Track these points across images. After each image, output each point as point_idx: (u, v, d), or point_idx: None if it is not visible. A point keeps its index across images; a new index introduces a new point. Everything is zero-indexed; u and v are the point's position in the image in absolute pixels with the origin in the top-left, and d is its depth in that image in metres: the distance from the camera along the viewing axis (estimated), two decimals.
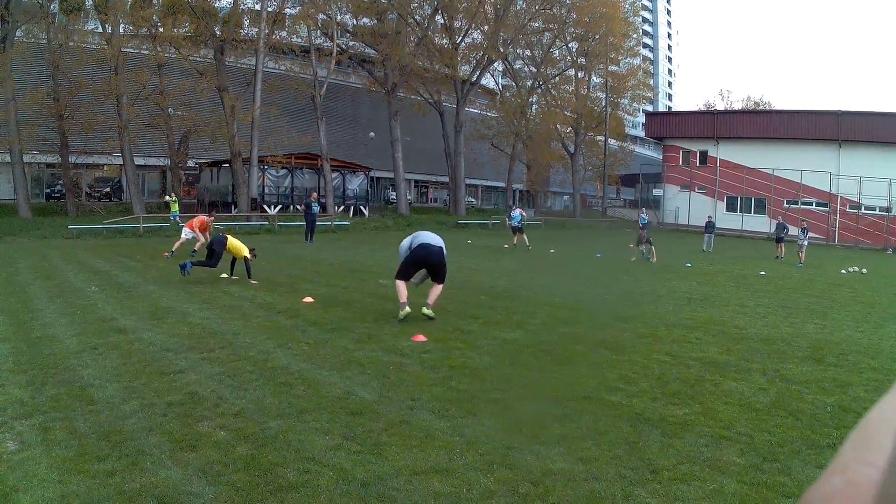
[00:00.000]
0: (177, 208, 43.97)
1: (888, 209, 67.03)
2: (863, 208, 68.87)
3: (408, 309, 14.42)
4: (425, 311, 14.72)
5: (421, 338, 12.63)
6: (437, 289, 14.98)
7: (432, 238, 14.99)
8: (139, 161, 56.65)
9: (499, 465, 6.87)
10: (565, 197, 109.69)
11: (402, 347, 11.96)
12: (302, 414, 8.23)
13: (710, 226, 44.89)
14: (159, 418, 7.91)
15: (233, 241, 20.65)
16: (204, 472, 6.46)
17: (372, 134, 76.00)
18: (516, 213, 38.74)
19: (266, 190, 58.48)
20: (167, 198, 46.30)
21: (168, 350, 11.28)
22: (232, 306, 15.97)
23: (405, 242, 15.00)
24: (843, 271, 33.87)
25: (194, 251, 27.13)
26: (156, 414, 8.05)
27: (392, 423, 8.02)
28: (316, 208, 38.87)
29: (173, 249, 27.80)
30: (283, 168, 59.40)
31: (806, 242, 37.73)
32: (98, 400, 8.53)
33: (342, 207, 61.69)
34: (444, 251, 14.96)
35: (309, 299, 17.09)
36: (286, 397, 8.88)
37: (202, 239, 26.68)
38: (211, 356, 10.97)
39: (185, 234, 27.98)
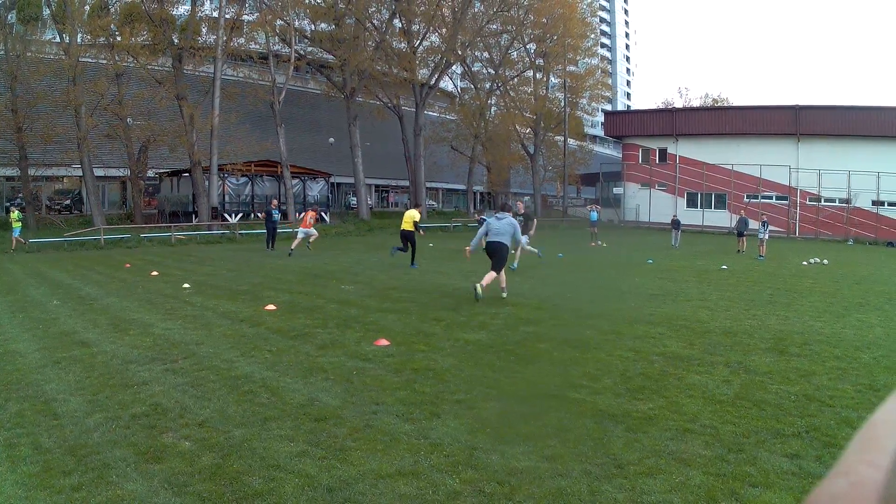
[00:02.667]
0: (19, 225, 40.35)
1: (848, 201, 67.96)
2: (823, 200, 69.82)
3: (478, 288, 18.31)
4: (503, 295, 19.01)
5: (384, 342, 12.65)
6: (490, 275, 18.53)
7: (496, 231, 18.76)
8: (99, 172, 56.19)
9: (464, 465, 6.91)
10: (526, 197, 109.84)
11: (365, 352, 11.96)
12: (266, 422, 8.22)
13: (676, 223, 45.70)
14: (124, 431, 7.87)
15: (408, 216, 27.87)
16: (170, 483, 6.44)
17: (331, 139, 75.92)
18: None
19: (226, 198, 58.30)
20: (11, 213, 42.37)
21: (131, 362, 11.21)
22: (194, 316, 15.89)
23: (481, 231, 19.24)
24: (805, 263, 34.32)
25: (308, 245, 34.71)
26: (120, 426, 8.00)
27: (356, 427, 8.03)
28: (276, 215, 38.76)
29: (293, 248, 33.43)
30: (243, 176, 59.24)
31: (766, 236, 38.21)
32: (62, 414, 8.48)
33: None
34: (505, 240, 18.63)
35: (271, 307, 17.06)
36: (250, 405, 8.86)
37: (315, 233, 35.19)
38: (174, 367, 10.91)
39: (302, 233, 34.43)
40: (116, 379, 10.14)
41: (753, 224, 42.95)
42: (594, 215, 50.43)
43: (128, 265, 27.91)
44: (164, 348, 12.30)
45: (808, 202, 70.74)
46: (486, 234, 18.80)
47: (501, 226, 18.80)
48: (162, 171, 62.56)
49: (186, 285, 21.22)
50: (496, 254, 18.63)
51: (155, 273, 25.16)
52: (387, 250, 30.38)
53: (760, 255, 37.01)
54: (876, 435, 0.79)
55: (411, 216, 27.77)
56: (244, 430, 7.90)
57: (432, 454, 7.22)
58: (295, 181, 61.48)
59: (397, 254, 28.35)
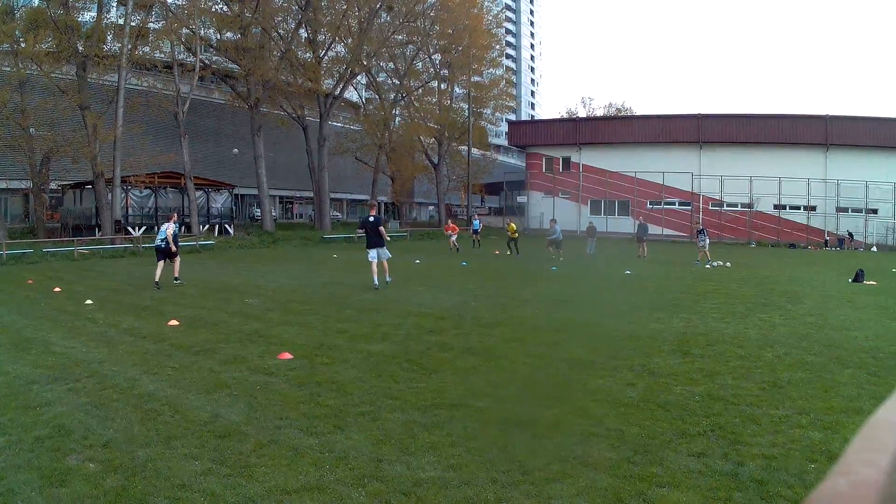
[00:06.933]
0: None
1: (750, 205, 69.80)
2: (725, 205, 71.55)
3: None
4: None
5: (287, 355, 12.68)
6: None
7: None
8: (0, 185, 54.80)
9: (370, 478, 7.01)
10: (430, 207, 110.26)
11: (268, 366, 11.98)
12: (170, 440, 8.17)
13: (592, 230, 47.52)
14: (27, 454, 7.75)
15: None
16: None
17: (235, 150, 75.35)
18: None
19: (130, 211, 57.39)
20: None
21: (33, 382, 11.01)
22: (96, 333, 15.66)
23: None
24: (708, 266, 35.11)
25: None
26: (24, 450, 7.89)
27: (261, 443, 8.06)
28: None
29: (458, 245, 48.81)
30: (146, 188, 58.37)
31: (707, 242, 38.29)
32: None
33: (207, 226, 60.98)
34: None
35: (174, 322, 16.87)
36: (154, 424, 8.78)
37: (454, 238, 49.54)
38: (77, 386, 10.74)
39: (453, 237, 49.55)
40: (19, 400, 9.98)
41: (654, 229, 43.93)
42: (476, 224, 55.96)
43: (30, 281, 27.38)
44: (66, 367, 12.08)
45: (710, 207, 72.35)
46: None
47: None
48: (65, 183, 61.26)
49: (89, 301, 20.88)
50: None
51: (58, 289, 24.64)
52: (292, 262, 30.36)
53: (707, 262, 36.68)
54: (876, 435, 0.83)
55: (513, 227, 46.70)
56: (148, 450, 7.86)
57: (337, 468, 7.30)
58: (199, 193, 60.78)
59: (518, 256, 43.09)
